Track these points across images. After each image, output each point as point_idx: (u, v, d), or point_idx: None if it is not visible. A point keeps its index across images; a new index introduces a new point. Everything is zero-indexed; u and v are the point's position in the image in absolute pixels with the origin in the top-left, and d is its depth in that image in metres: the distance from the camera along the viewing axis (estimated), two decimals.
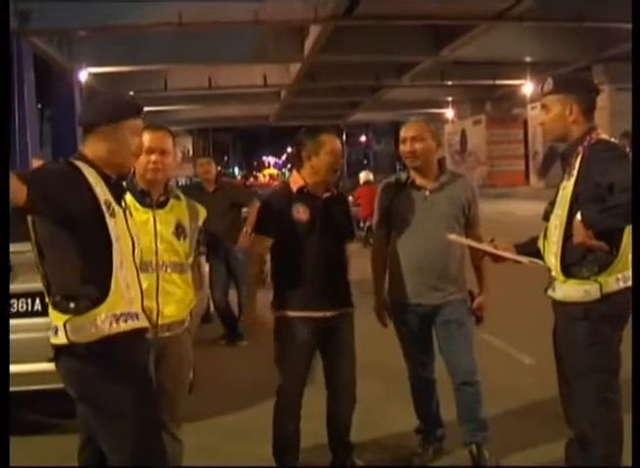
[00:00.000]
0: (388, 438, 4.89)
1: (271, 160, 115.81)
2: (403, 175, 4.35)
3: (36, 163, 22.30)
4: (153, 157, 3.59)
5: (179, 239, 3.62)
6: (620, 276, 3.32)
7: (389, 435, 4.93)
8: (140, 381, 2.99)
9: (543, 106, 3.56)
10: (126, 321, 2.91)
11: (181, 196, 3.76)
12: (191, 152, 49.44)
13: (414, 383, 4.51)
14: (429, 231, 4.19)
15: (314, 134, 4.11)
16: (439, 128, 4.59)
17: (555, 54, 28.97)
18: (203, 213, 3.84)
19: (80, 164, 2.91)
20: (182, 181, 30.05)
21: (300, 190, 4.08)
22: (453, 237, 3.92)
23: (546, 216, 3.54)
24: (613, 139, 3.50)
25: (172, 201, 3.69)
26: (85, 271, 2.82)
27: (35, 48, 22.91)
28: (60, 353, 2.89)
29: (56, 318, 2.87)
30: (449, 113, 46.53)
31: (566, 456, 3.67)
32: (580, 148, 3.38)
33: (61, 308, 2.85)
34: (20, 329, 4.31)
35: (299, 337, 4.06)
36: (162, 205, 3.64)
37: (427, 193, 4.24)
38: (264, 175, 77.29)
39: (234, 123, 57.67)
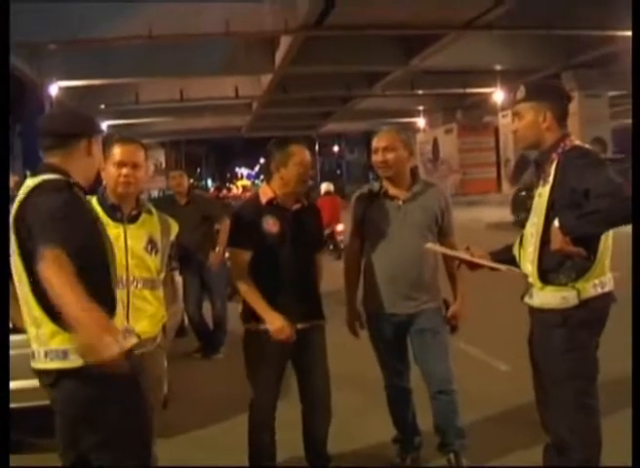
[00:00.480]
0: (366, 448, 4.87)
1: (244, 171, 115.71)
2: (376, 185, 4.34)
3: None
4: (125, 170, 3.56)
5: (150, 254, 3.57)
6: (597, 282, 3.33)
7: (366, 445, 4.91)
8: (141, 400, 2.98)
9: (516, 114, 3.55)
10: (125, 338, 2.87)
11: (153, 210, 3.72)
12: (164, 165, 49.23)
13: (390, 393, 4.49)
14: (403, 241, 4.19)
15: (283, 145, 4.09)
16: (410, 137, 4.59)
17: (525, 61, 29.24)
18: (175, 227, 3.81)
19: (70, 181, 2.87)
20: (155, 194, 29.93)
21: (270, 202, 4.06)
22: (429, 246, 3.92)
23: (522, 224, 3.55)
24: (587, 146, 3.51)
25: (143, 215, 3.65)
26: (92, 290, 2.68)
27: None
28: (62, 377, 2.81)
29: (67, 341, 2.75)
30: (420, 122, 46.76)
31: (543, 462, 3.67)
32: (555, 155, 3.38)
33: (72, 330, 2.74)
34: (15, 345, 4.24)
35: (269, 350, 4.01)
36: (133, 219, 3.59)
37: (400, 203, 4.24)
38: (238, 187, 77.15)
39: (207, 135, 57.58)
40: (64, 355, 2.78)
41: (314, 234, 4.25)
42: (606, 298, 3.35)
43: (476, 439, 4.62)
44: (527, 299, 3.52)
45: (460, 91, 35.58)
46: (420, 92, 36.34)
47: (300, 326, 4.04)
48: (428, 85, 34.81)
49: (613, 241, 3.38)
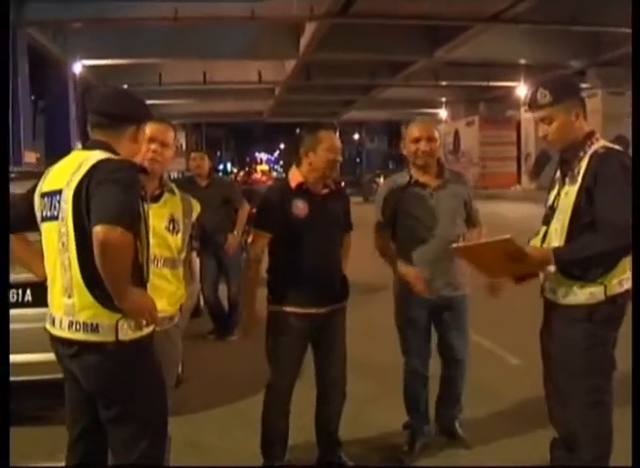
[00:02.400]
0: (375, 435, 4.89)
1: (264, 156, 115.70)
2: (404, 175, 4.45)
3: (28, 155, 22.23)
4: (153, 146, 3.57)
5: (172, 233, 3.59)
6: (623, 277, 3.33)
7: (376, 432, 4.93)
8: (160, 379, 3.06)
9: (544, 119, 3.42)
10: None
11: (176, 190, 3.74)
12: (184, 147, 49.35)
13: (408, 378, 4.56)
14: (435, 226, 4.30)
15: (313, 130, 4.10)
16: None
17: (549, 57, 29.09)
18: (197, 207, 3.83)
19: (134, 163, 3.03)
20: (174, 175, 30.03)
21: (299, 186, 4.07)
22: (455, 245, 3.83)
23: (546, 221, 3.51)
24: (616, 147, 3.41)
25: (166, 195, 3.66)
26: (135, 268, 2.83)
27: (30, 39, 22.83)
28: (87, 349, 2.87)
29: (99, 315, 2.84)
30: (442, 113, 46.59)
31: (551, 457, 3.69)
32: (582, 153, 3.35)
33: (111, 306, 2.82)
34: (12, 319, 4.29)
35: (293, 333, 4.06)
36: (156, 199, 3.61)
37: (432, 190, 4.36)
38: (257, 172, 77.10)
39: (228, 118, 57.60)
40: (93, 328, 2.84)
41: (342, 218, 4.26)
42: (626, 296, 3.35)
43: (484, 432, 4.65)
44: (549, 295, 3.50)
45: (484, 84, 35.45)
46: (444, 83, 36.23)
47: (323, 309, 4.09)
48: (452, 76, 34.70)
49: None
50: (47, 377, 4.55)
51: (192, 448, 4.60)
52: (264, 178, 57.09)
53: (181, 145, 50.24)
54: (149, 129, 3.42)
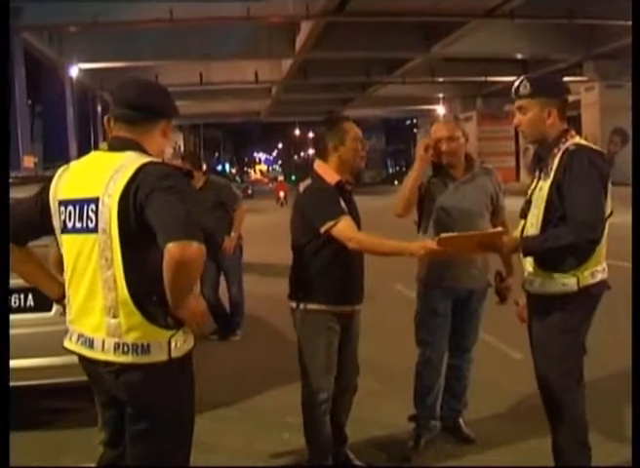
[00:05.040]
0: (380, 432, 4.90)
1: (262, 156, 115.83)
2: (430, 168, 4.51)
3: (27, 160, 22.26)
4: None
5: None
6: (595, 270, 3.48)
7: (381, 429, 4.93)
8: (193, 398, 2.92)
9: (520, 108, 3.62)
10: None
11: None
12: (182, 148, 49.37)
13: (421, 368, 4.56)
14: (462, 217, 4.35)
15: (335, 123, 4.10)
16: (432, 123, 4.73)
17: (546, 51, 29.15)
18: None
19: (180, 168, 2.81)
20: None
21: (338, 184, 4.01)
22: (443, 235, 3.88)
23: (523, 214, 3.66)
24: (588, 144, 3.57)
25: None
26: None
27: (26, 43, 22.87)
28: (135, 368, 2.65)
29: (150, 334, 2.63)
30: (440, 110, 46.60)
31: (553, 453, 3.72)
32: (556, 149, 3.50)
33: (162, 323, 2.64)
34: (14, 324, 4.28)
35: (333, 332, 4.04)
36: None
37: (459, 183, 4.46)
38: (255, 171, 77.16)
39: (225, 119, 57.68)
40: (144, 350, 2.63)
41: (359, 217, 4.23)
42: (599, 286, 3.51)
43: (489, 429, 4.66)
44: (527, 286, 3.67)
45: (481, 79, 35.52)
46: (441, 79, 36.28)
47: (357, 307, 4.15)
48: (449, 73, 34.75)
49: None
50: (49, 382, 4.58)
51: (196, 447, 4.59)
52: (266, 180, 57.08)
53: (179, 147, 50.29)
54: None
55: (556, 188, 3.43)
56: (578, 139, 3.56)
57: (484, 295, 4.58)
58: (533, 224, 3.55)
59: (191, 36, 24.85)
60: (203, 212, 6.51)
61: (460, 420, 4.73)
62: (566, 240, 3.34)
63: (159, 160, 2.73)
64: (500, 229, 3.75)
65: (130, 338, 2.61)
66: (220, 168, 75.85)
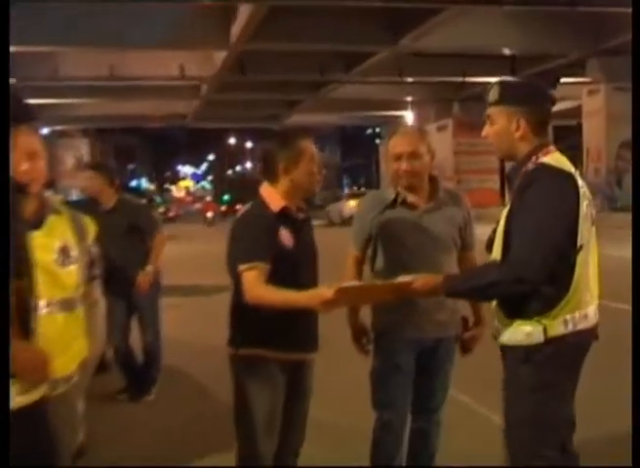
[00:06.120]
0: None
1: (188, 170, 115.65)
2: (390, 192, 4.52)
3: None
4: (18, 156, 3.41)
5: (63, 267, 3.48)
6: (569, 317, 3.46)
7: None
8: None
9: (488, 117, 3.72)
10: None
11: (62, 209, 3.63)
12: (88, 158, 48.99)
13: (380, 434, 4.57)
14: (426, 254, 4.38)
15: (288, 140, 4.17)
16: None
17: (541, 45, 29.48)
18: (91, 226, 3.72)
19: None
20: (73, 196, 29.73)
21: (283, 211, 4.08)
22: (346, 285, 3.92)
23: (489, 246, 3.69)
24: (555, 165, 3.55)
25: (51, 218, 3.53)
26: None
27: None
28: None
29: None
30: (408, 116, 47.06)
31: None
32: (525, 169, 3.55)
33: None
34: None
35: (277, 385, 4.09)
36: (37, 225, 3.47)
37: (422, 212, 4.46)
38: (180, 189, 77.07)
39: (142, 123, 57.44)
40: None
41: (315, 250, 4.32)
42: (581, 336, 3.50)
43: None
44: (496, 336, 3.69)
45: (459, 79, 35.88)
46: (410, 79, 36.64)
47: (309, 356, 4.21)
48: (420, 71, 35.05)
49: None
50: None
51: None
52: (189, 199, 57.09)
53: (83, 156, 49.89)
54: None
55: (512, 216, 3.48)
56: (550, 157, 3.57)
57: (451, 346, 4.61)
58: (495, 260, 3.58)
59: (103, 19, 24.74)
60: (113, 239, 6.49)
61: None
62: (492, 277, 3.40)
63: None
64: (410, 279, 3.71)
65: None
66: (134, 184, 75.41)
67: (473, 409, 6.86)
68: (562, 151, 3.63)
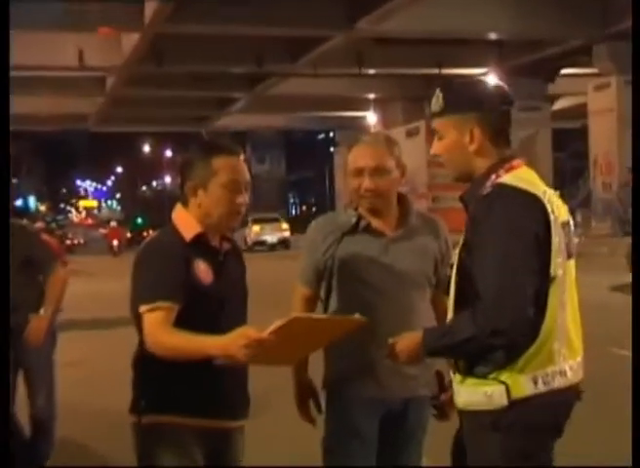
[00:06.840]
0: None
1: (90, 186, 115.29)
2: (349, 214, 4.50)
3: None
4: None
5: None
6: (538, 374, 3.41)
7: None
8: None
9: (435, 132, 3.71)
10: None
11: None
12: None
13: None
14: (391, 294, 4.36)
15: (203, 151, 4.12)
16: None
17: (535, 29, 29.82)
18: None
19: None
20: None
21: (197, 239, 4.03)
22: (299, 315, 3.96)
23: (448, 289, 3.70)
24: (518, 185, 3.51)
25: None
26: None
27: None
28: None
29: None
30: (370, 118, 47.35)
31: None
32: (482, 191, 3.52)
33: None
34: None
35: (192, 458, 4.02)
36: None
37: (388, 242, 4.43)
38: (79, 210, 76.85)
39: (31, 125, 57.14)
40: None
41: (244, 286, 4.30)
42: (557, 397, 3.45)
43: None
44: (455, 398, 3.67)
45: (433, 71, 36.17)
46: (372, 71, 36.91)
47: (234, 424, 4.15)
48: (384, 61, 35.32)
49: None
50: None
51: None
52: (91, 222, 57.03)
53: None
54: None
55: (467, 251, 3.47)
56: (512, 175, 3.53)
57: (422, 408, 4.52)
58: (450, 303, 3.61)
59: None
60: None
61: None
62: (467, 332, 3.35)
63: None
64: (357, 317, 3.71)
65: None
66: (19, 203, 74.90)
67: None
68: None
